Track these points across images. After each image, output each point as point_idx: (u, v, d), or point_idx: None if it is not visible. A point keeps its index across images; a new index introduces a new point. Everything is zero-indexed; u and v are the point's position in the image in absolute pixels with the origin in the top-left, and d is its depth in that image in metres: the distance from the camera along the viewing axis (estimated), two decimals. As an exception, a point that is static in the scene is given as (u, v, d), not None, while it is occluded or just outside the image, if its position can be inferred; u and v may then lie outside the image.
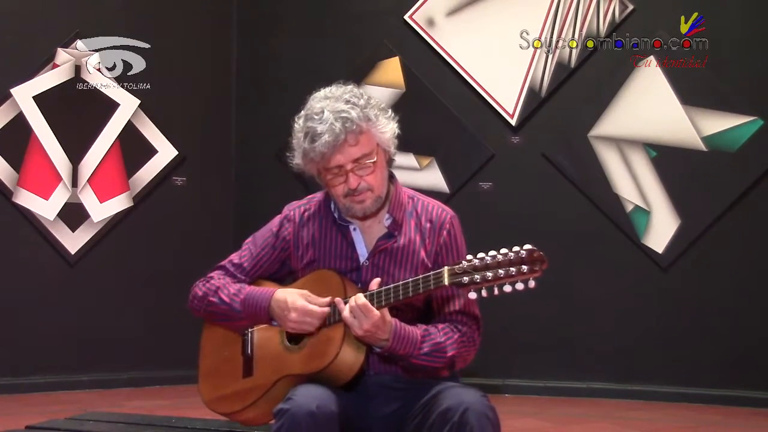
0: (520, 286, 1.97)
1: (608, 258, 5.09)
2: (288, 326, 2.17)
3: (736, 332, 4.88)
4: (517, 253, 1.98)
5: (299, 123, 2.21)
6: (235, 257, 2.36)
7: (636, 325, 5.03)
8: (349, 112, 2.13)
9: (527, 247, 1.98)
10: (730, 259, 4.93)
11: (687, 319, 4.96)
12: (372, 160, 2.17)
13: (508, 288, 1.97)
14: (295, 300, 2.16)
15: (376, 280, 2.13)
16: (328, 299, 2.15)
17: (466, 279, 2.00)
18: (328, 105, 2.15)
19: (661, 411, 4.68)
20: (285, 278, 2.37)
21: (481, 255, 2.01)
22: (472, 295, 2.01)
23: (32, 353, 5.01)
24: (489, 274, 1.98)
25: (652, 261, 5.02)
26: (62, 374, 5.06)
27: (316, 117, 2.15)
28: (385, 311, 2.08)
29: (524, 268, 1.96)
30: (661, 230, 5.00)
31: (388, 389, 2.18)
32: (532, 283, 1.96)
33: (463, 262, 2.02)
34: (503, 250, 1.99)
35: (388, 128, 2.22)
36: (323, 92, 2.22)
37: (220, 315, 2.30)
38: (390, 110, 2.25)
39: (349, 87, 2.23)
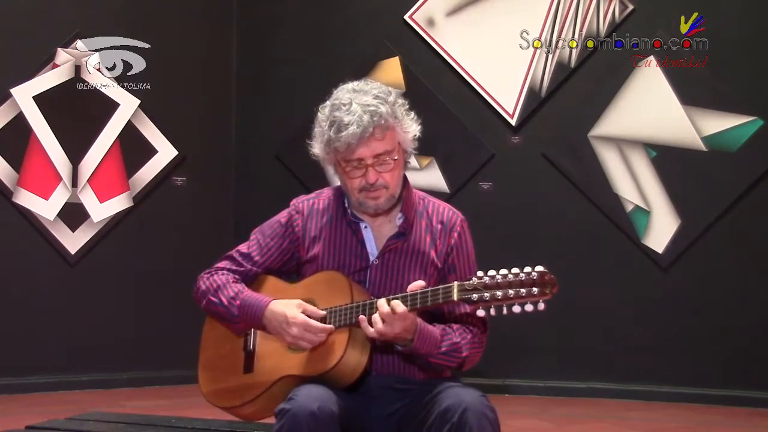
0: (529, 307, 1.96)
1: (608, 258, 5.09)
2: (287, 341, 2.15)
3: (737, 332, 4.88)
4: (528, 274, 1.96)
5: (324, 112, 2.20)
6: (243, 247, 2.35)
7: (636, 325, 5.02)
8: (378, 107, 2.14)
9: (539, 269, 1.97)
10: (730, 259, 4.93)
11: (687, 318, 4.96)
12: (394, 158, 2.18)
13: (517, 309, 1.96)
14: (296, 315, 2.13)
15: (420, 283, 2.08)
16: (323, 313, 2.14)
17: (475, 296, 1.98)
18: (356, 98, 2.15)
19: (661, 411, 4.68)
20: (293, 272, 2.35)
21: (492, 273, 1.99)
22: (481, 313, 2.00)
23: (32, 353, 5.00)
24: (499, 293, 1.96)
25: (652, 261, 5.02)
26: (62, 374, 5.05)
27: (344, 107, 2.15)
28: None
29: (534, 290, 1.94)
30: (661, 230, 5.00)
31: (389, 390, 2.18)
32: (541, 306, 1.95)
33: (474, 278, 2.00)
34: (514, 270, 1.97)
35: (411, 129, 2.23)
36: (350, 85, 2.22)
37: (219, 315, 2.29)
38: (413, 113, 2.25)
39: (377, 83, 2.23)
